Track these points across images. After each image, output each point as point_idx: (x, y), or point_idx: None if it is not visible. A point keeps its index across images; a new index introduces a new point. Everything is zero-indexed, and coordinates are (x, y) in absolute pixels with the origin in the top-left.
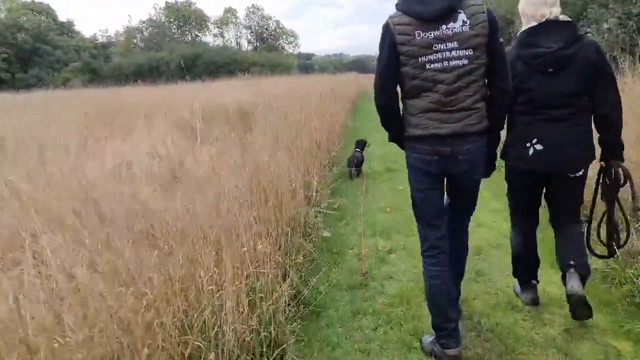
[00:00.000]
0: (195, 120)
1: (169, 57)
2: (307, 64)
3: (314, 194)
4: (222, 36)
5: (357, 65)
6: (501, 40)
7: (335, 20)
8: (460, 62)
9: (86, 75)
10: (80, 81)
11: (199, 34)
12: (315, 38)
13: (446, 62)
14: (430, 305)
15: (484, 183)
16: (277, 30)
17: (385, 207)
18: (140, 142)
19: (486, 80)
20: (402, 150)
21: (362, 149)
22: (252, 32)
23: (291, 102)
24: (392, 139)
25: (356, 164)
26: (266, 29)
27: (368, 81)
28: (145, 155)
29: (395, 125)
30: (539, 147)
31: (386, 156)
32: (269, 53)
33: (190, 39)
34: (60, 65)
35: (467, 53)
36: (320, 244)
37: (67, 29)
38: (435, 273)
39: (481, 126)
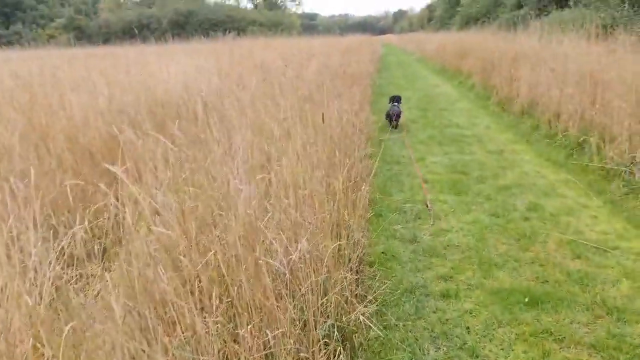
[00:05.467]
0: None
1: (160, 14)
2: (311, 25)
3: None
4: None
5: (364, 26)
6: None
7: None
8: None
9: (71, 32)
10: (66, 39)
11: None
12: None
13: None
14: None
15: None
16: None
17: None
18: None
19: None
20: None
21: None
22: None
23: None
24: None
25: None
26: None
27: (380, 44)
28: None
29: None
30: None
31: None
32: (269, 11)
33: None
34: (46, 21)
35: None
36: None
37: None
38: None
39: None
